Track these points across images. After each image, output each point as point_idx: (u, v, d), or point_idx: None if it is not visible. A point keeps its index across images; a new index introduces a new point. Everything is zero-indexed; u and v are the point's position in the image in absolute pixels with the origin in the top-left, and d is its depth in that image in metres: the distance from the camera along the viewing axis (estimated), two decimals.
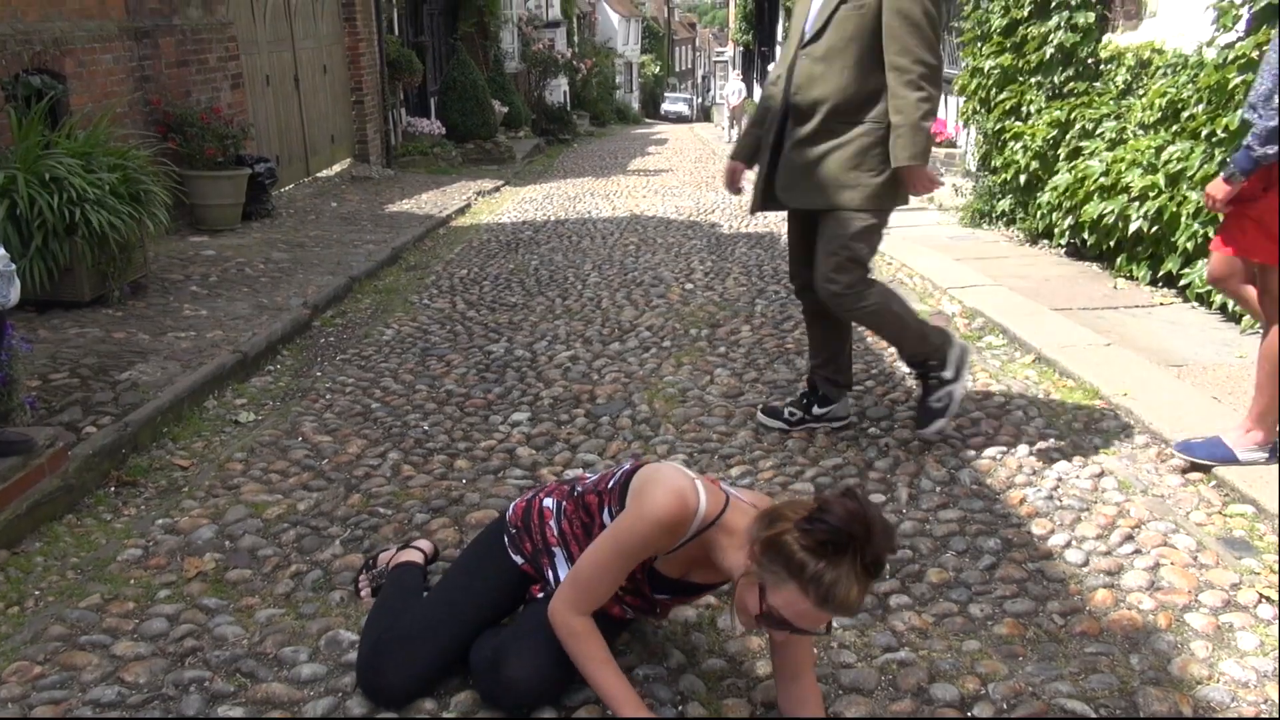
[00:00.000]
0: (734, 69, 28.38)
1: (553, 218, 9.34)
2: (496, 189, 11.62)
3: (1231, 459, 3.27)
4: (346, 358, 4.85)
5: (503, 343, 5.06)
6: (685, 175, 13.86)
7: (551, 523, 2.30)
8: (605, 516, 2.18)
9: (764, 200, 3.62)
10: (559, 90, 26.70)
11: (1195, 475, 3.33)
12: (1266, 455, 3.25)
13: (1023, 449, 3.58)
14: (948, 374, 3.53)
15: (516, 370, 4.61)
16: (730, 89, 24.36)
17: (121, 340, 4.64)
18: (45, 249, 4.83)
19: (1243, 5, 4.95)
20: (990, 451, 3.58)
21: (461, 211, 9.73)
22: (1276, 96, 2.81)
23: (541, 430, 3.88)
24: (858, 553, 1.78)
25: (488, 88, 16.73)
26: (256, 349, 4.70)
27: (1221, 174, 3.01)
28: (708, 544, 2.05)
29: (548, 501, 2.34)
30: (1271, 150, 2.85)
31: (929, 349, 3.55)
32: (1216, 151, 4.88)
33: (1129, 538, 2.95)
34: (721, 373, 4.52)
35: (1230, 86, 4.78)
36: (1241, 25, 4.98)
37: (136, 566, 2.87)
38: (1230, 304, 4.77)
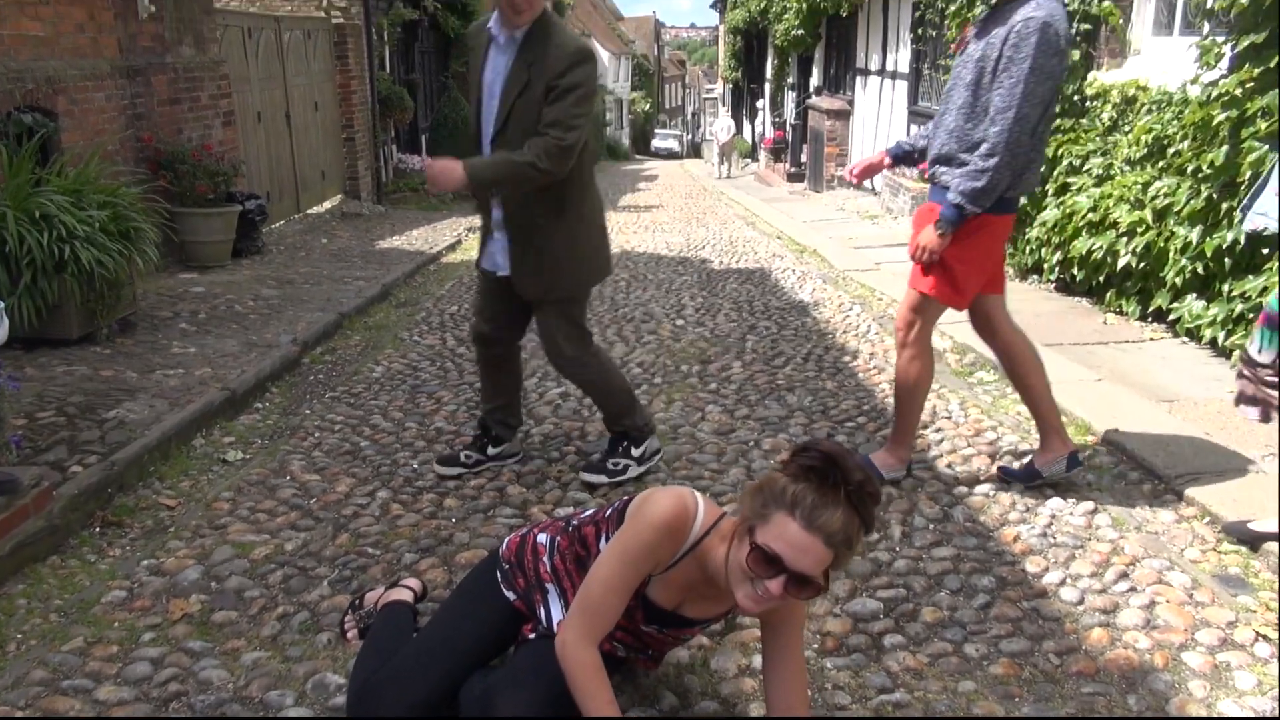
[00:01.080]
0: (724, 106, 28.65)
1: None
2: None
3: (879, 479, 3.51)
4: (336, 395, 4.82)
5: None
6: (675, 211, 13.93)
7: (545, 558, 2.28)
8: (603, 543, 2.16)
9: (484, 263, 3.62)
10: None
11: (1190, 511, 3.32)
12: (903, 473, 3.61)
13: (1015, 485, 3.57)
14: (636, 452, 3.70)
15: None
16: (720, 125, 24.61)
17: (109, 378, 4.61)
18: (34, 287, 4.81)
19: (1225, 44, 5.02)
20: (983, 488, 3.57)
21: (452, 248, 9.74)
22: (995, 159, 3.06)
23: (532, 468, 3.85)
24: (840, 482, 1.85)
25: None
26: (245, 387, 4.67)
27: (934, 228, 3.23)
28: (703, 555, 2.03)
29: (541, 537, 2.32)
30: (979, 209, 3.14)
31: (632, 424, 3.71)
32: (1202, 187, 4.92)
33: (1124, 575, 2.93)
34: (713, 409, 4.51)
35: (1215, 123, 4.83)
36: (1224, 64, 5.04)
37: (121, 609, 2.82)
38: (1219, 338, 4.79)
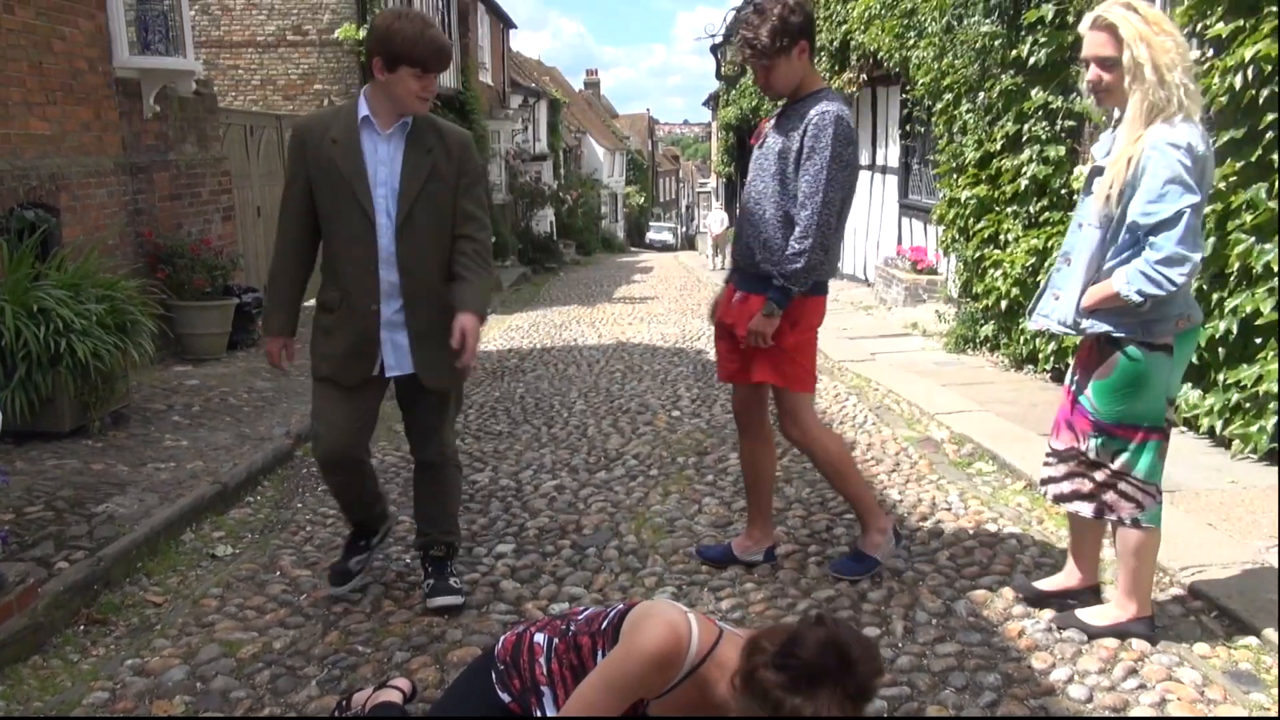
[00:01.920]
0: (716, 199, 29.14)
1: (539, 345, 9.39)
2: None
3: (873, 565, 3.56)
4: (328, 488, 4.76)
5: (487, 472, 5.00)
6: (671, 303, 14.04)
7: (541, 660, 2.22)
8: (599, 657, 2.10)
9: (369, 371, 3.26)
10: (545, 220, 27.28)
11: (1197, 605, 3.26)
12: (894, 543, 3.60)
13: (1019, 578, 3.51)
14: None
15: (501, 500, 4.54)
16: (713, 218, 24.97)
17: (100, 472, 4.57)
18: (28, 380, 4.80)
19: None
20: (985, 581, 3.51)
21: None
22: (809, 241, 3.24)
23: (527, 562, 3.79)
24: (837, 683, 1.73)
25: None
26: (237, 480, 4.62)
27: (763, 312, 3.33)
28: (702, 683, 1.97)
29: (539, 637, 2.26)
30: (802, 288, 3.31)
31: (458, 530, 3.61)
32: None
33: (1133, 671, 2.86)
34: (710, 501, 4.46)
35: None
36: None
37: (102, 711, 2.74)
38: (1217, 427, 4.78)
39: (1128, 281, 2.69)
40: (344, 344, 3.22)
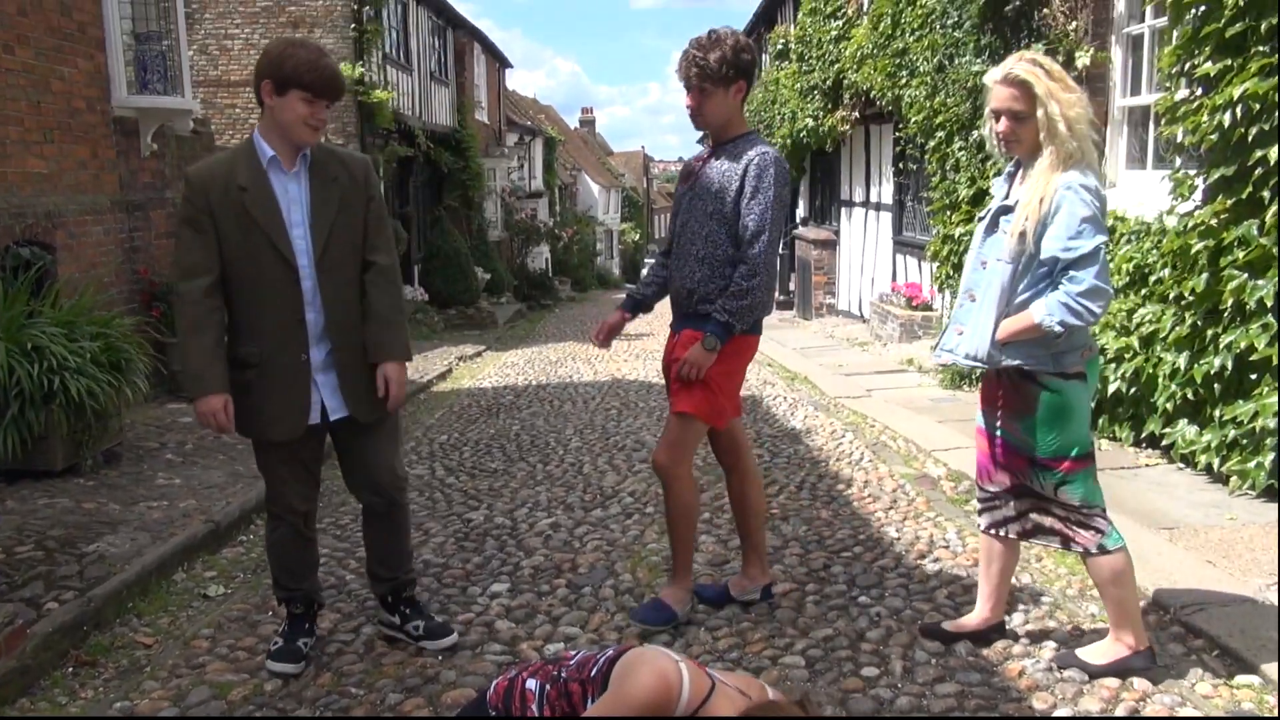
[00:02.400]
0: None
1: (534, 382, 9.38)
2: (478, 354, 11.70)
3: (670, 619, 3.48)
4: (321, 527, 4.72)
5: (482, 510, 4.97)
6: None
7: (533, 706, 2.19)
8: (589, 704, 2.07)
9: (305, 422, 3.12)
10: (541, 257, 27.38)
11: (1198, 644, 3.23)
12: (758, 593, 3.64)
13: (1018, 617, 3.48)
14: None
15: (496, 539, 4.50)
16: None
17: (91, 510, 4.53)
18: (20, 418, 4.78)
19: (1197, 176, 5.16)
20: None
21: (443, 376, 9.76)
22: (757, 278, 3.29)
23: (521, 602, 3.75)
24: None
25: (470, 255, 17.15)
26: (229, 519, 4.59)
27: (704, 345, 3.35)
28: None
29: (530, 683, 2.24)
30: (745, 324, 3.35)
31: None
32: (1186, 314, 4.99)
33: (1135, 712, 2.83)
34: (706, 539, 4.43)
35: (1193, 252, 4.93)
36: (1198, 195, 5.18)
37: None
38: (1214, 464, 4.77)
39: (1049, 313, 2.78)
40: (272, 399, 3.06)
